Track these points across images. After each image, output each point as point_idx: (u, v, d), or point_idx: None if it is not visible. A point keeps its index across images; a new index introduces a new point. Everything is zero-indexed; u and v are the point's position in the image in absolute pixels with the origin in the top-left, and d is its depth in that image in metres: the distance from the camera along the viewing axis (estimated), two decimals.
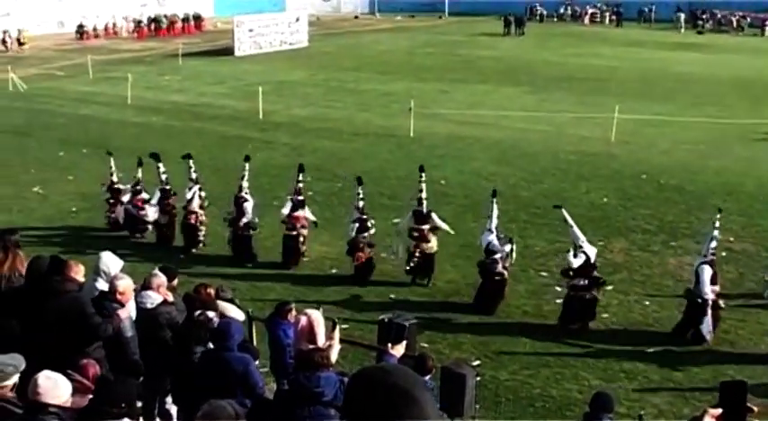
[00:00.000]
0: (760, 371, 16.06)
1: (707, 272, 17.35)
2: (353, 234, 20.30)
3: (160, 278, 11.87)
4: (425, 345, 16.43)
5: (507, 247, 18.91)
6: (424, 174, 20.70)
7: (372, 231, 20.53)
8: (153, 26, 76.39)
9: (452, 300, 19.46)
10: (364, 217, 20.46)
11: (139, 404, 8.40)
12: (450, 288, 20.02)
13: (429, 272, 20.21)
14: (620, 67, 56.21)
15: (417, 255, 19.99)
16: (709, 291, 17.30)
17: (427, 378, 11.04)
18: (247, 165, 22.05)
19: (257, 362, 10.75)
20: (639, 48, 66.50)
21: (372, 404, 2.49)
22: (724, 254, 22.62)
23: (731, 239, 23.72)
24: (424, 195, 20.41)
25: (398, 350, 10.68)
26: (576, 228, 18.62)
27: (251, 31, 64.10)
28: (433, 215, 20.37)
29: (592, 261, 18.07)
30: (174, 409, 11.80)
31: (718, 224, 18.39)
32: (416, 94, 41.63)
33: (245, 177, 21.88)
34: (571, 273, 17.91)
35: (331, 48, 66.12)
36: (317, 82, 50.45)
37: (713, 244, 17.93)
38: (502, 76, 51.80)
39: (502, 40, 72.47)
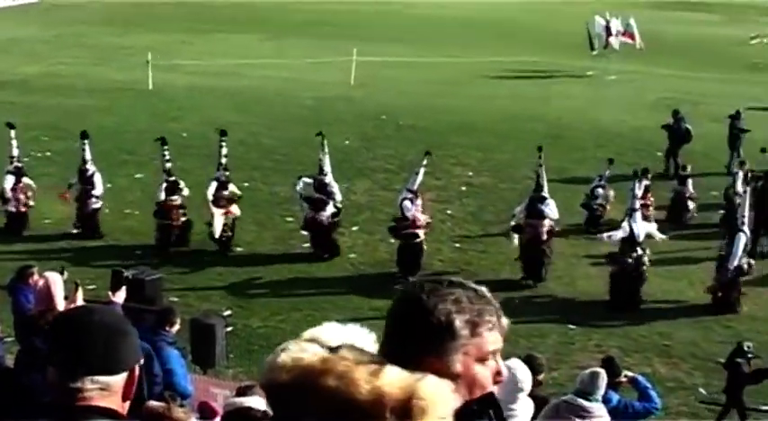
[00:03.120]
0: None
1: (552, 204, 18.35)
2: (162, 196, 19.41)
3: None
4: (175, 299, 16.24)
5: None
6: (224, 139, 20.16)
7: (185, 192, 19.70)
8: None
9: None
10: (172, 179, 19.62)
11: None
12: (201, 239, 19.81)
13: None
14: (360, 9, 56.69)
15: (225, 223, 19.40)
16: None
17: (173, 330, 10.90)
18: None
19: None
20: None
21: (84, 340, 2.47)
22: (464, 188, 23.63)
23: (470, 174, 24.72)
24: (224, 161, 19.84)
25: (119, 296, 10.42)
26: (419, 177, 18.79)
27: None
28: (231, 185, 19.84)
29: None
30: None
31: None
32: (156, 45, 40.52)
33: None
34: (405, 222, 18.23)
35: (64, 2, 63.25)
36: (47, 38, 48.20)
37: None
38: (240, 25, 51.23)
39: None
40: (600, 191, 21.32)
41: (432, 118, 30.38)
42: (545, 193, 18.65)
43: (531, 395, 8.77)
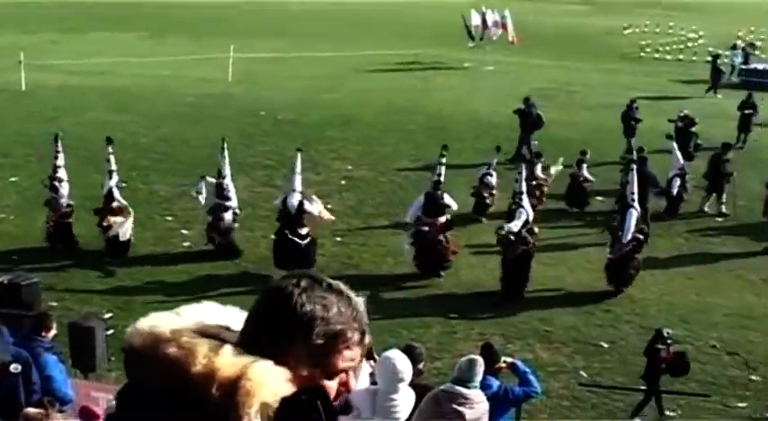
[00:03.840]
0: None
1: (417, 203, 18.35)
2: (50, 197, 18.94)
3: None
4: (54, 304, 15.95)
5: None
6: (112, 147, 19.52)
7: (65, 192, 19.09)
8: None
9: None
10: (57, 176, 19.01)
11: None
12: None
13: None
14: (236, 4, 56.29)
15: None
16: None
17: (50, 335, 10.74)
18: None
19: None
20: None
21: None
22: (343, 182, 23.71)
23: (349, 168, 24.84)
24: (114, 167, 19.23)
25: None
26: (298, 177, 18.54)
27: None
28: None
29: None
30: None
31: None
32: (25, 46, 39.52)
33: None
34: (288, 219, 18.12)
35: None
36: None
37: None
38: (116, 24, 50.37)
39: None
40: (490, 179, 21.62)
41: (311, 112, 30.40)
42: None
43: (412, 384, 8.92)
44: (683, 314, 17.20)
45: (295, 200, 18.10)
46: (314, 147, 25.70)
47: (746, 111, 28.59)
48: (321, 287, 2.14)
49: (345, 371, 2.15)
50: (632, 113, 26.87)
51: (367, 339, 2.18)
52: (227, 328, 2.13)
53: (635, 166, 19.01)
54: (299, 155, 18.91)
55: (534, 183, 21.50)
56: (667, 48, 49.79)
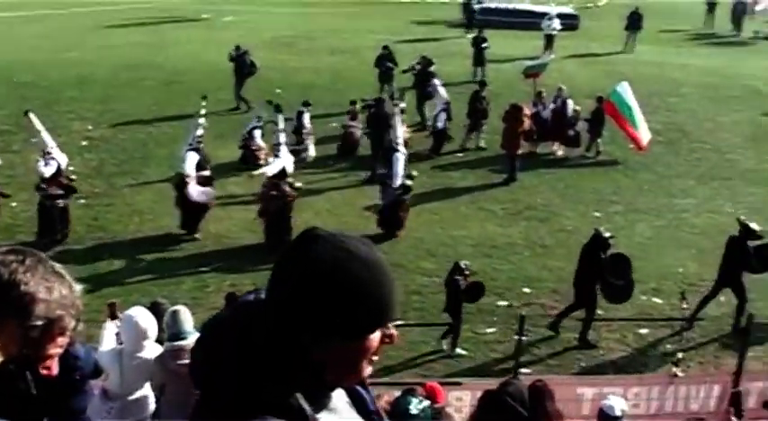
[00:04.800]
0: None
1: (191, 157, 17.48)
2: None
3: None
4: None
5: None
6: None
7: None
8: None
9: None
10: None
11: None
12: None
13: None
14: None
15: None
16: (191, 174, 17.50)
17: None
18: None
19: None
20: None
21: None
22: (84, 143, 22.89)
23: (90, 128, 24.00)
24: None
25: None
26: (45, 134, 17.33)
27: None
28: None
29: (62, 168, 17.20)
30: None
31: (203, 111, 18.39)
32: None
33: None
34: (44, 184, 16.86)
35: None
36: None
37: (200, 131, 17.92)
38: None
39: None
40: (257, 132, 21.67)
41: (47, 73, 29.14)
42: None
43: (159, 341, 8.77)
44: (430, 248, 17.74)
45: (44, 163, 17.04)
46: (53, 109, 24.64)
47: (483, 46, 29.65)
48: (46, 269, 2.07)
49: (51, 356, 2.09)
50: (386, 60, 27.05)
51: (80, 327, 2.14)
52: None
53: (399, 115, 19.30)
54: (32, 116, 17.91)
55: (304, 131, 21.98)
56: None
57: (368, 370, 2.06)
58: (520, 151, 21.83)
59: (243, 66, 26.07)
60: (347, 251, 1.98)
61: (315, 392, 1.98)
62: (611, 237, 14.69)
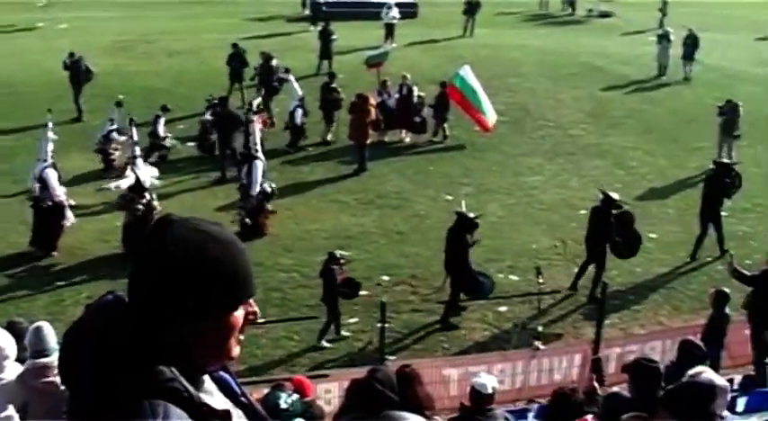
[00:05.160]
0: None
1: (52, 175, 16.94)
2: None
3: None
4: None
5: None
6: None
7: None
8: None
9: None
10: None
11: None
12: None
13: None
14: None
15: None
16: (60, 193, 17.09)
17: None
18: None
19: None
20: None
21: None
22: None
23: None
24: None
25: None
26: None
27: None
28: None
29: None
30: None
31: (50, 124, 17.65)
32: None
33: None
34: None
35: None
36: None
37: (50, 146, 17.21)
38: None
39: None
40: (115, 135, 21.36)
41: None
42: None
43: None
44: (286, 244, 17.67)
45: None
46: None
47: (331, 38, 29.62)
48: None
49: None
50: (238, 58, 26.64)
51: None
52: None
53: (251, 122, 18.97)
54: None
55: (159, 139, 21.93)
56: None
57: (236, 349, 2.08)
58: (368, 141, 21.89)
59: (78, 73, 25.36)
60: (202, 232, 2.02)
61: (189, 375, 1.98)
62: (477, 217, 15.17)
